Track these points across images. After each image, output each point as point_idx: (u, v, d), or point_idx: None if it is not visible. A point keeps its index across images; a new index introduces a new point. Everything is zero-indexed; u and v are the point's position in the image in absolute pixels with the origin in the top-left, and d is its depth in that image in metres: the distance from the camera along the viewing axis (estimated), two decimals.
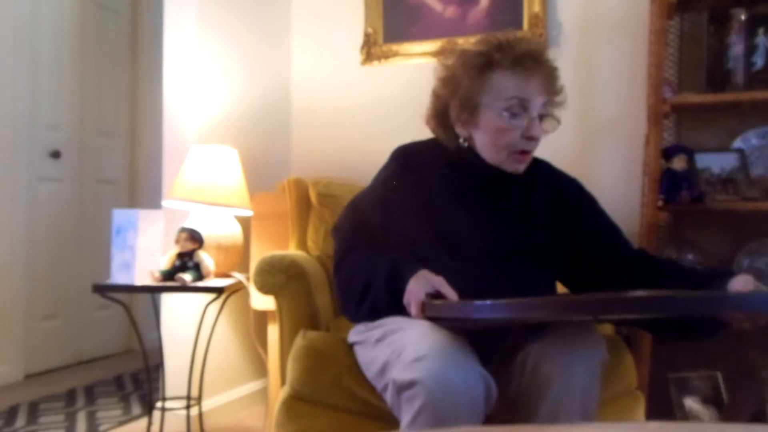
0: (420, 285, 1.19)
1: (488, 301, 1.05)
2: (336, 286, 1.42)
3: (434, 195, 1.40)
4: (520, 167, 1.38)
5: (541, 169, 1.49)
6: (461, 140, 1.41)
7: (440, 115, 1.43)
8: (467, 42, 1.42)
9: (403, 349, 1.16)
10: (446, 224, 1.38)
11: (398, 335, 1.23)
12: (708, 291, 1.19)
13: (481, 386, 1.11)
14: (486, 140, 1.37)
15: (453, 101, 1.38)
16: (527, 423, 1.18)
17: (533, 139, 1.34)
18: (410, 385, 1.10)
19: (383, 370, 1.23)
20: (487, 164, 1.39)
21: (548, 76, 1.35)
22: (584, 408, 1.17)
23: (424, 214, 1.38)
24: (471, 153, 1.40)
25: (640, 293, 1.14)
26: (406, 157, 1.45)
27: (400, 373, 1.13)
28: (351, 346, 1.44)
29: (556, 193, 1.47)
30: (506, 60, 1.32)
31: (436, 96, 1.44)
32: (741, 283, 1.21)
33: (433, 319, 1.18)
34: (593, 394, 1.20)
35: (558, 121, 1.38)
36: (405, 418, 1.11)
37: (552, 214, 1.44)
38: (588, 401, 1.18)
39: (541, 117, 1.35)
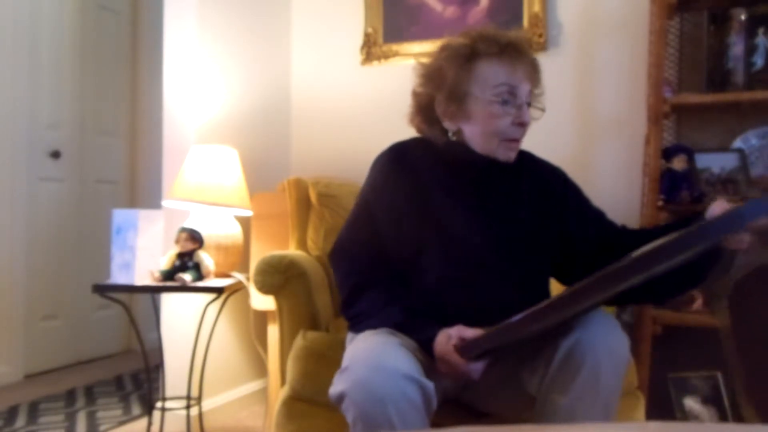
0: (446, 345, 1.17)
1: (513, 319, 1.05)
2: (344, 313, 1.38)
3: (430, 193, 1.38)
4: (512, 155, 1.38)
5: (526, 159, 1.49)
6: (450, 134, 1.40)
7: (425, 111, 1.43)
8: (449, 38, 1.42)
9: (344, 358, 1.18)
10: (444, 221, 1.36)
11: (353, 343, 1.24)
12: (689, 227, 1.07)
13: (413, 390, 1.09)
14: (476, 130, 1.36)
15: (439, 95, 1.38)
16: (545, 418, 1.16)
17: (523, 126, 1.35)
18: (340, 398, 1.11)
19: None
20: (477, 156, 1.37)
21: (532, 65, 1.36)
22: (606, 406, 1.17)
23: (424, 213, 1.37)
24: (461, 146, 1.39)
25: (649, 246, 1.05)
26: (398, 158, 1.43)
27: (332, 386, 1.14)
28: None
29: (542, 182, 1.47)
30: (492, 48, 1.33)
31: (419, 93, 1.43)
32: (718, 208, 1.19)
33: (481, 356, 1.16)
34: (616, 393, 1.20)
35: (543, 110, 1.38)
36: (350, 428, 1.12)
37: (540, 203, 1.44)
38: (611, 400, 1.18)
39: (528, 106, 1.35)
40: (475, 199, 1.40)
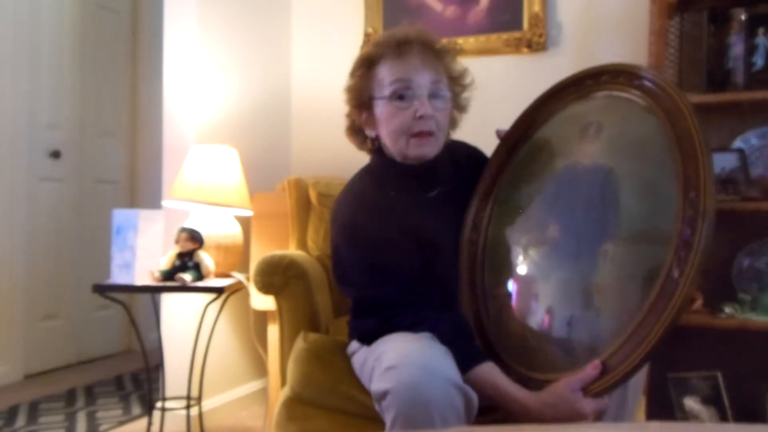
0: (569, 393, 1.10)
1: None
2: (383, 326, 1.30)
3: (402, 214, 1.38)
4: (424, 150, 1.34)
5: (457, 148, 1.50)
6: (370, 141, 1.43)
7: (353, 126, 1.45)
8: None
9: (382, 356, 1.17)
10: (421, 235, 1.36)
11: (382, 345, 1.23)
12: None
13: (459, 398, 1.09)
14: (384, 132, 1.37)
15: (353, 107, 1.42)
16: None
17: (424, 118, 1.31)
18: (384, 395, 1.10)
19: (370, 377, 1.24)
20: (403, 166, 1.39)
21: (427, 54, 1.34)
22: (632, 407, 1.20)
23: (409, 234, 1.36)
24: (387, 161, 1.41)
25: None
26: (366, 196, 1.41)
27: (376, 383, 1.13)
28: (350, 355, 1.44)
29: (474, 164, 1.48)
30: (386, 51, 1.35)
31: (348, 113, 1.46)
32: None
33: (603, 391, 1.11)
34: (639, 393, 1.24)
35: (449, 95, 1.37)
36: (387, 425, 1.12)
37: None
38: (635, 401, 1.21)
39: (434, 96, 1.33)
40: (428, 200, 1.40)
